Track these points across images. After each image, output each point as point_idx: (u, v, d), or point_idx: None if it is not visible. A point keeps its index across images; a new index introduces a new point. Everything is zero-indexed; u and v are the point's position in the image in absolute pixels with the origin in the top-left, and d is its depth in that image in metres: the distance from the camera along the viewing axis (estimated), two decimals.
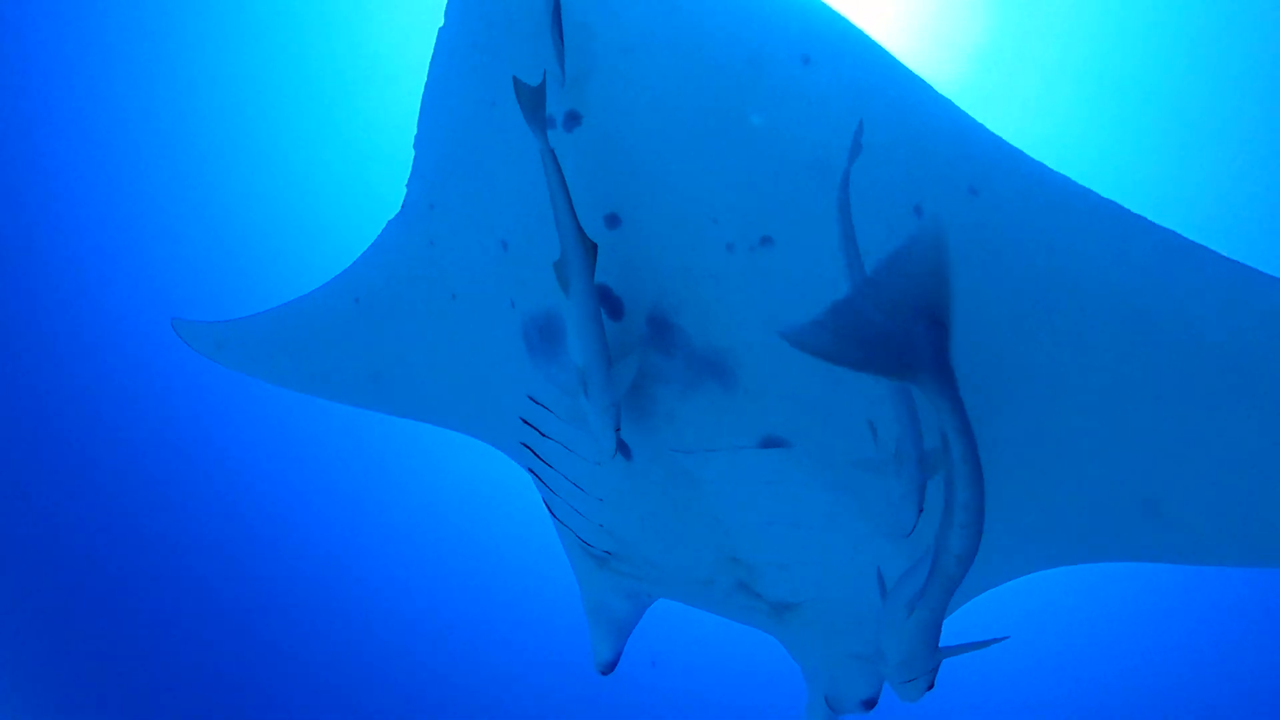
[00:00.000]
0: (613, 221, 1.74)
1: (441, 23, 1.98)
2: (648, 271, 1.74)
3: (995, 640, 1.44)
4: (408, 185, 2.30)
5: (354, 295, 2.53)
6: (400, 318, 2.52)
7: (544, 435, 2.31)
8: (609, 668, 2.71)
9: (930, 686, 1.44)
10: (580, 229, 1.68)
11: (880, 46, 1.34)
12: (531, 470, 2.52)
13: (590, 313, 1.73)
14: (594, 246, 1.69)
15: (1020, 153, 1.34)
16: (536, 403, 2.27)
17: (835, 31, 1.37)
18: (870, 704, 2.13)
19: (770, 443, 1.79)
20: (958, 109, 1.34)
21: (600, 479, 2.18)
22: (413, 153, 2.27)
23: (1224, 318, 1.31)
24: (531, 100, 1.64)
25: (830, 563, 1.97)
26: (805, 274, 1.56)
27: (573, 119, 1.71)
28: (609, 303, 1.84)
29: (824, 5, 1.37)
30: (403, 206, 2.32)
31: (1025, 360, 1.50)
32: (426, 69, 2.08)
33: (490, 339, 2.37)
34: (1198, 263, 1.32)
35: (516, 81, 1.63)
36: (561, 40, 1.63)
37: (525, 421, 2.38)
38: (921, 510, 1.54)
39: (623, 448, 2.01)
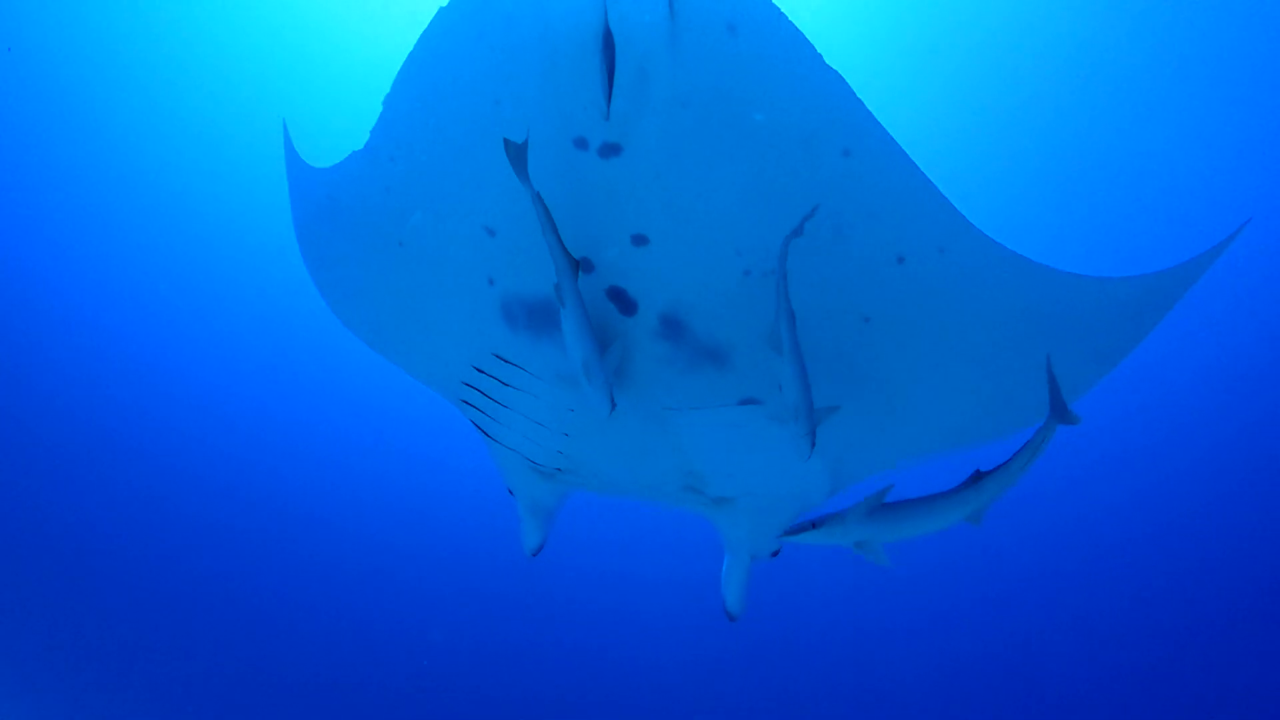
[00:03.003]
0: (640, 240, 1.99)
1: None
2: (669, 283, 2.04)
3: None
4: (373, 131, 2.29)
5: (330, 191, 2.61)
6: (351, 235, 2.62)
7: (506, 384, 2.56)
8: (539, 551, 3.20)
9: (812, 445, 2.05)
10: (567, 253, 1.94)
11: (902, 150, 1.74)
12: (469, 403, 2.77)
13: (582, 320, 2.02)
14: (577, 264, 1.97)
15: (971, 223, 1.88)
16: (504, 360, 2.50)
17: (872, 132, 1.72)
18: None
19: (747, 402, 2.28)
20: (940, 192, 1.82)
21: (573, 422, 2.53)
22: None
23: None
24: (517, 155, 1.81)
25: (762, 470, 2.59)
26: (801, 294, 2.00)
27: (611, 149, 1.87)
28: (622, 302, 2.12)
29: (864, 107, 1.70)
30: (366, 146, 2.36)
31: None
32: None
33: (445, 297, 2.49)
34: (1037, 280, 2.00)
35: (506, 142, 1.79)
36: (611, 78, 1.76)
37: (480, 370, 2.59)
38: (814, 445, 2.17)
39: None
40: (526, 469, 2.87)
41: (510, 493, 3.17)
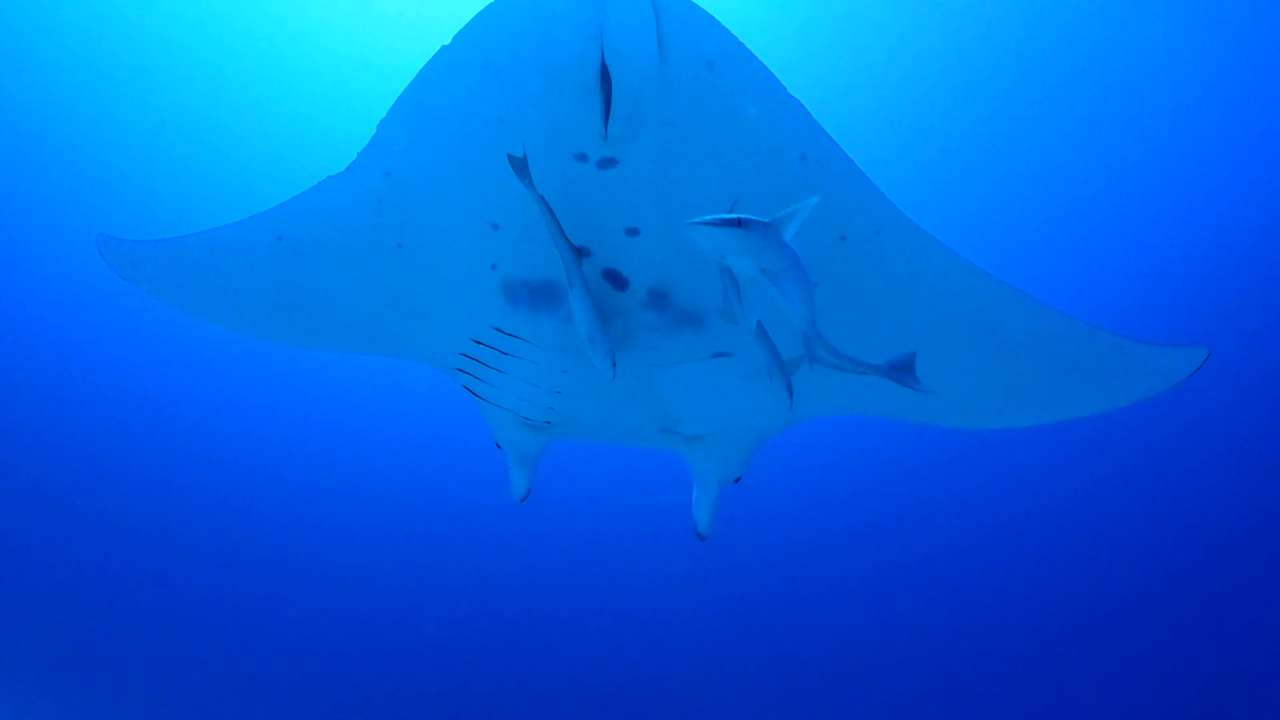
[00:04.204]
0: (632, 232, 2.37)
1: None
2: (656, 263, 2.44)
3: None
4: (361, 153, 2.55)
5: (277, 233, 2.81)
6: (330, 257, 2.87)
7: (505, 354, 2.93)
8: (526, 497, 3.62)
9: (791, 395, 2.41)
10: (572, 246, 2.29)
11: (847, 154, 2.18)
12: (464, 370, 3.13)
13: (588, 301, 2.41)
14: (579, 254, 2.34)
15: (901, 211, 2.35)
16: (503, 332, 2.86)
17: (823, 141, 2.15)
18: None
19: (719, 355, 2.73)
20: (875, 186, 2.28)
21: (566, 382, 2.92)
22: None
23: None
24: (520, 168, 2.14)
25: (730, 411, 3.07)
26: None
27: (609, 162, 2.23)
28: (616, 281, 2.51)
29: (816, 123, 2.13)
30: (351, 168, 2.62)
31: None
32: None
33: (445, 283, 2.81)
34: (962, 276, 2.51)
35: (510, 157, 2.12)
36: (608, 107, 2.11)
37: (479, 342, 2.95)
38: (792, 396, 2.65)
39: None
40: (518, 425, 3.26)
41: (498, 447, 3.55)
